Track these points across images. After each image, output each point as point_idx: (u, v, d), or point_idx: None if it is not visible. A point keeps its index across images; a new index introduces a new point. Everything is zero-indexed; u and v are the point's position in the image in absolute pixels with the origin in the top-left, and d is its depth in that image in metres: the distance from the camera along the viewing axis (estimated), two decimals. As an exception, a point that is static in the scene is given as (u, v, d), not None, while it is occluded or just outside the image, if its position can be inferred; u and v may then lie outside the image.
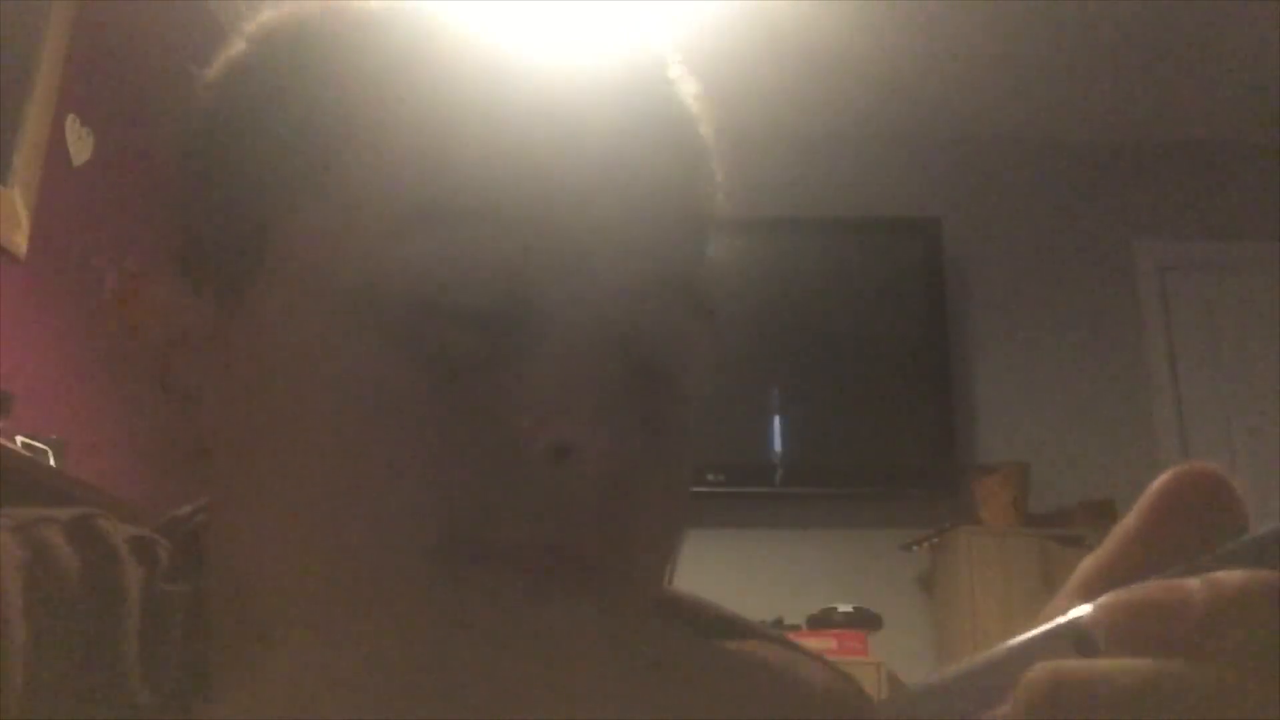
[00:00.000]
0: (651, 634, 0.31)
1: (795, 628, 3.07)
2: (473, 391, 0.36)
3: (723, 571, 3.41)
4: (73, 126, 2.46)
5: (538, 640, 0.28)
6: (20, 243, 2.24)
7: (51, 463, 2.10)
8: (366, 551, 0.36)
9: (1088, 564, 0.34)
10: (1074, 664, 0.29)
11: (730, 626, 0.52)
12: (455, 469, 0.35)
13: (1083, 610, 0.31)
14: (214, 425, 0.42)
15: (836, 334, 3.53)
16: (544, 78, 0.41)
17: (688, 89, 0.46)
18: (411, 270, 0.36)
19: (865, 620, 3.06)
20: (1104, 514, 3.17)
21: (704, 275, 0.41)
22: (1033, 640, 0.32)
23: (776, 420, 3.51)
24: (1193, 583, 0.28)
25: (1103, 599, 0.30)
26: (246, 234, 0.40)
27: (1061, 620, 0.31)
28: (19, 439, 2.04)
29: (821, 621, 3.08)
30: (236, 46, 0.43)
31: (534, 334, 0.36)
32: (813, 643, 3.00)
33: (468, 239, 0.36)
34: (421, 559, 0.35)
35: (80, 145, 2.49)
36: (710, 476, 3.37)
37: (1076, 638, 0.30)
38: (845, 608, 3.09)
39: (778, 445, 3.49)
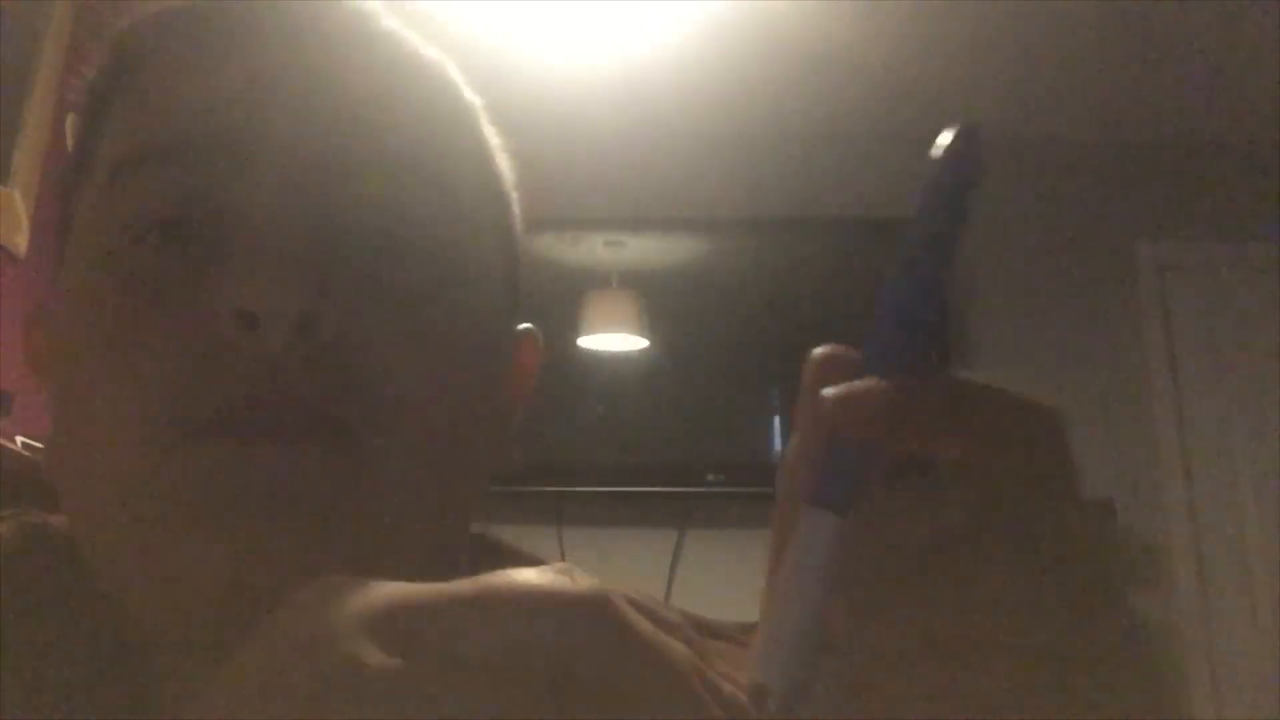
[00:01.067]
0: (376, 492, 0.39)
1: (795, 627, 3.06)
2: (176, 295, 0.40)
3: (723, 571, 3.41)
4: (73, 126, 2.45)
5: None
6: (20, 243, 2.24)
7: (51, 462, 2.10)
8: (101, 441, 0.40)
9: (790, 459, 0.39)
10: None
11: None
12: (161, 361, 0.40)
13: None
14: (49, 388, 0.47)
15: (836, 333, 3.52)
16: (247, 45, 0.45)
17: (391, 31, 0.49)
18: (115, 205, 0.43)
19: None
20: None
21: (414, 153, 0.45)
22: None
23: (776, 420, 3.51)
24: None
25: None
26: (65, 214, 0.49)
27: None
28: (19, 439, 2.04)
29: (821, 621, 3.07)
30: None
31: (224, 237, 0.41)
32: (813, 642, 3.00)
33: (158, 171, 0.42)
34: (141, 444, 0.39)
35: (80, 145, 2.49)
36: (710, 476, 3.38)
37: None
38: (845, 607, 3.09)
39: (778, 445, 3.49)
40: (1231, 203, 3.68)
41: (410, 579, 0.30)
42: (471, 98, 0.55)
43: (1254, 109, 3.57)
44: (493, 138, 0.58)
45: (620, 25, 3.19)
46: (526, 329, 0.56)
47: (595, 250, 3.60)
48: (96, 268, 0.43)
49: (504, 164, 0.59)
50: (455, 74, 0.53)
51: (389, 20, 0.49)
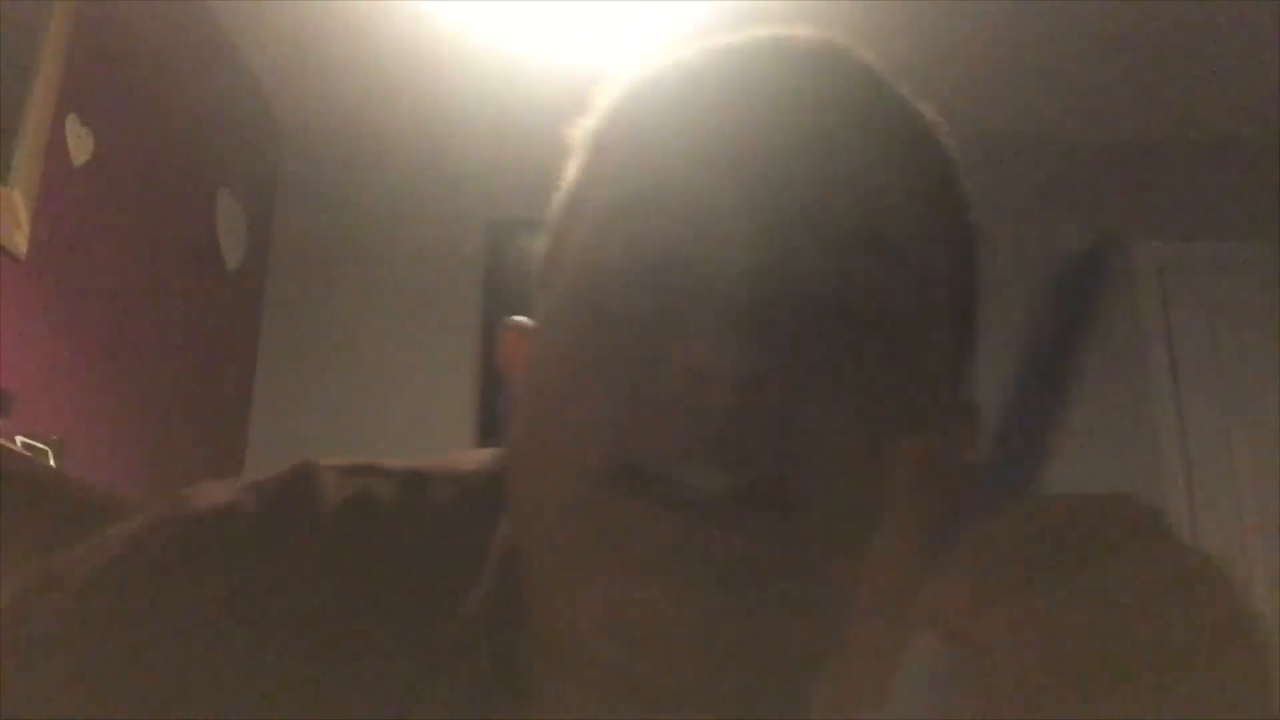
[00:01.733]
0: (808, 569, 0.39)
1: (795, 627, 3.07)
2: (643, 342, 0.42)
3: (723, 571, 3.42)
4: (73, 126, 2.46)
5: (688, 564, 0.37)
6: (20, 242, 2.24)
7: (51, 463, 2.10)
8: (551, 466, 0.43)
9: None
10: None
11: None
12: (618, 403, 0.41)
13: None
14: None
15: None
16: (705, 122, 0.48)
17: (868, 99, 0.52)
18: (606, 247, 0.45)
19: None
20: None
21: (903, 234, 0.45)
22: None
23: (776, 420, 3.51)
24: None
25: None
26: (547, 268, 0.52)
27: None
28: (19, 439, 2.04)
29: (821, 621, 3.07)
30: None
31: (693, 291, 0.42)
32: (813, 642, 3.00)
33: (647, 221, 0.44)
34: (590, 485, 0.41)
35: (80, 145, 2.49)
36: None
37: None
38: (845, 607, 3.09)
39: (778, 445, 3.49)
40: (1231, 203, 3.68)
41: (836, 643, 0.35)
42: (953, 161, 0.54)
43: (1254, 109, 3.57)
44: (966, 198, 0.55)
45: (620, 25, 3.19)
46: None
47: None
48: (581, 300, 0.45)
49: (970, 224, 0.56)
50: (948, 146, 0.53)
51: (891, 89, 0.51)
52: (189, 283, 3.14)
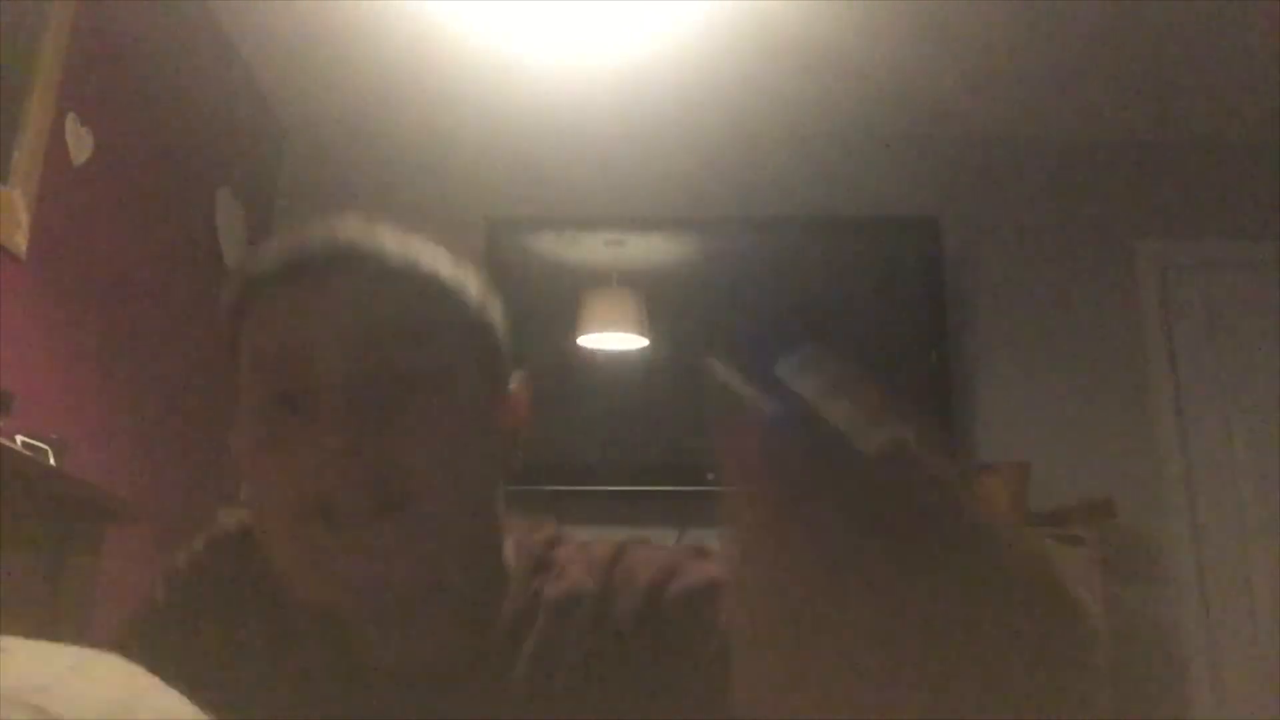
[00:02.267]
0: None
1: (795, 627, 3.07)
2: (293, 435, 0.71)
3: (722, 571, 3.41)
4: (72, 126, 2.46)
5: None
6: (20, 242, 2.24)
7: (51, 462, 2.10)
8: (267, 516, 0.74)
9: None
10: None
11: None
12: (289, 475, 0.71)
13: None
14: None
15: (835, 332, 3.53)
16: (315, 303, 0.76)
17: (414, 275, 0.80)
18: (255, 385, 0.74)
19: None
20: (1104, 513, 3.17)
21: (419, 338, 0.75)
22: None
23: (776, 420, 3.51)
24: None
25: None
26: (233, 369, 0.81)
27: None
28: (19, 438, 2.04)
29: (821, 621, 3.07)
30: None
31: (313, 403, 0.71)
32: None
33: (276, 366, 0.74)
34: (290, 522, 0.71)
35: (80, 144, 2.49)
36: (710, 476, 3.37)
37: None
38: (845, 607, 3.09)
39: (777, 444, 3.49)
40: (1232, 202, 3.68)
41: (458, 573, 0.75)
42: (461, 283, 0.81)
43: (1254, 109, 3.57)
44: (481, 298, 0.82)
45: (620, 25, 3.19)
46: (519, 376, 0.85)
47: (595, 249, 3.60)
48: (254, 418, 0.74)
49: (493, 312, 0.84)
50: (452, 278, 0.81)
51: (405, 256, 0.81)
52: (189, 282, 3.14)
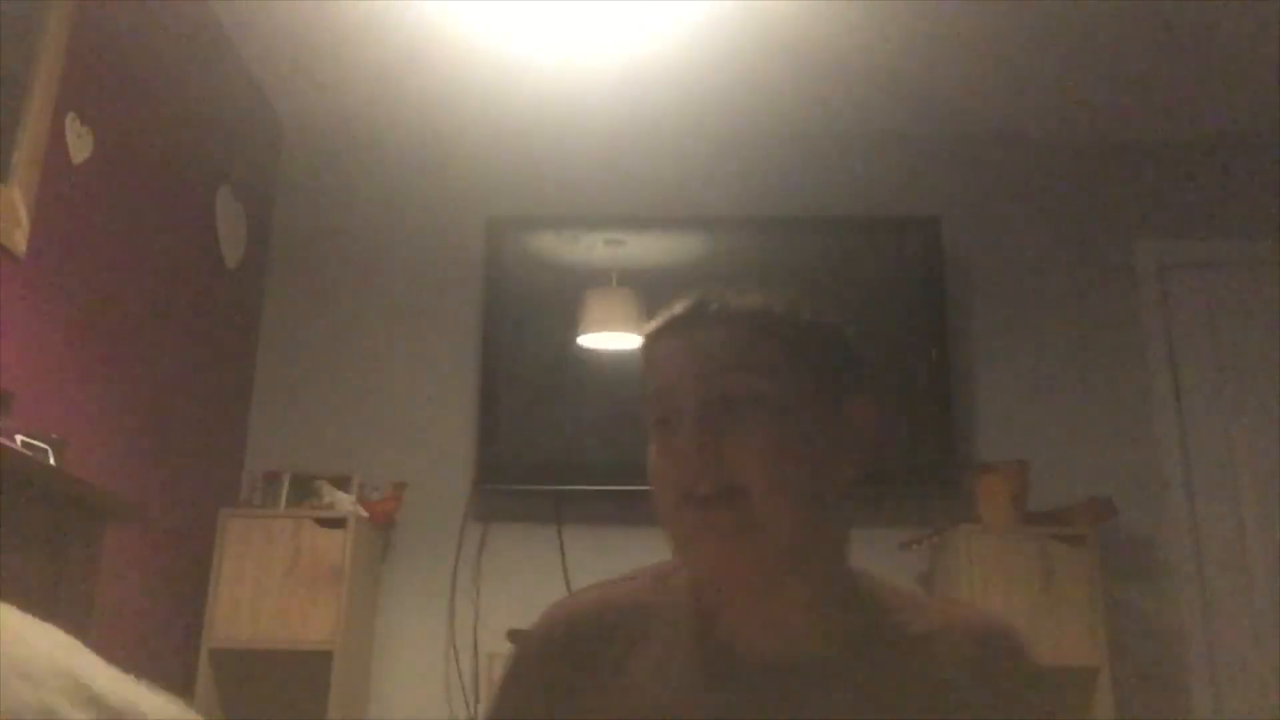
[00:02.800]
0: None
1: (795, 627, 3.07)
2: (670, 446, 0.96)
3: (722, 570, 3.41)
4: (72, 125, 2.46)
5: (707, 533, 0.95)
6: (20, 241, 2.24)
7: (51, 462, 2.10)
8: (662, 512, 0.98)
9: None
10: None
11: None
12: (669, 472, 0.96)
13: None
14: None
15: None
16: (676, 347, 1.01)
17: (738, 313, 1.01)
18: (651, 413, 1.00)
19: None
20: (1104, 512, 3.17)
21: (745, 368, 0.97)
22: None
23: (776, 419, 3.51)
24: None
25: None
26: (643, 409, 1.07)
27: None
28: (19, 438, 2.04)
29: (821, 620, 3.07)
30: None
31: (678, 419, 0.97)
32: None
33: (657, 400, 0.99)
34: (671, 509, 0.96)
35: (80, 144, 2.49)
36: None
37: None
38: (845, 607, 3.08)
39: (777, 444, 3.49)
40: (1231, 201, 3.68)
41: (788, 563, 0.96)
42: (794, 324, 1.01)
43: (1254, 109, 3.57)
44: (816, 339, 1.02)
45: (620, 25, 3.19)
46: (862, 399, 1.02)
47: (595, 249, 3.60)
48: (650, 436, 0.99)
49: (827, 347, 1.02)
50: (786, 320, 1.01)
51: (746, 306, 1.00)
52: (189, 281, 3.14)
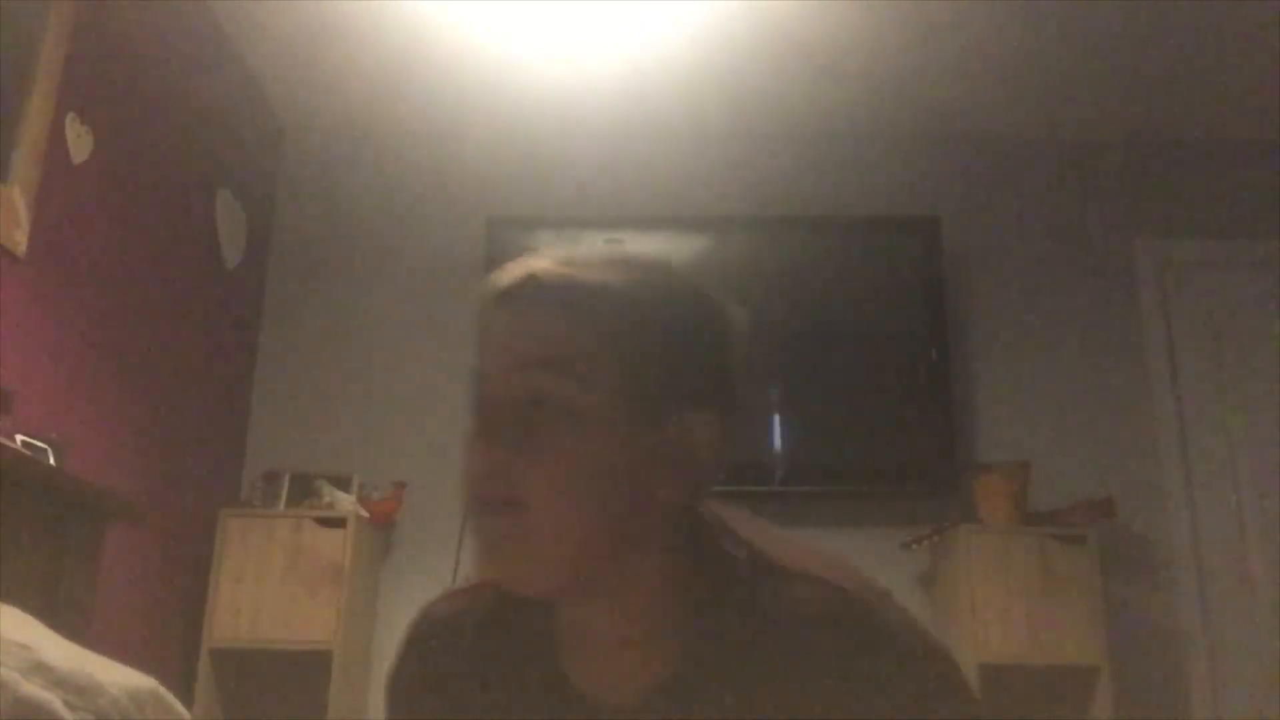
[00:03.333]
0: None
1: (795, 627, 3.07)
2: (470, 440, 0.87)
3: (722, 570, 3.41)
4: (72, 125, 2.46)
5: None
6: (20, 241, 2.24)
7: (51, 462, 2.10)
8: (464, 513, 0.89)
9: None
10: None
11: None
12: (466, 471, 0.87)
13: None
14: None
15: (836, 332, 3.53)
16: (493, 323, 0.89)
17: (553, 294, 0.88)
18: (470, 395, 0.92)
19: (865, 619, 3.05)
20: (1104, 512, 3.17)
21: (557, 367, 0.84)
22: None
23: (776, 419, 3.51)
24: None
25: None
26: None
27: None
28: (19, 438, 2.04)
29: (821, 620, 3.07)
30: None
31: (480, 413, 0.88)
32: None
33: (473, 382, 0.90)
34: (466, 511, 0.87)
35: (80, 143, 2.49)
36: (710, 475, 3.37)
37: None
38: (845, 607, 3.08)
39: (777, 444, 3.49)
40: (1231, 201, 3.68)
41: (571, 579, 0.86)
42: (628, 319, 0.87)
43: (1254, 109, 3.57)
44: (650, 317, 0.89)
45: (620, 26, 3.19)
46: (707, 416, 0.91)
47: (595, 248, 3.60)
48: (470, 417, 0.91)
49: (658, 334, 0.88)
50: (624, 314, 0.87)
51: (575, 288, 0.87)
52: (188, 282, 3.14)
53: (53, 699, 0.67)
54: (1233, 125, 3.66)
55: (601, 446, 0.83)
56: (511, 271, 0.88)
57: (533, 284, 0.87)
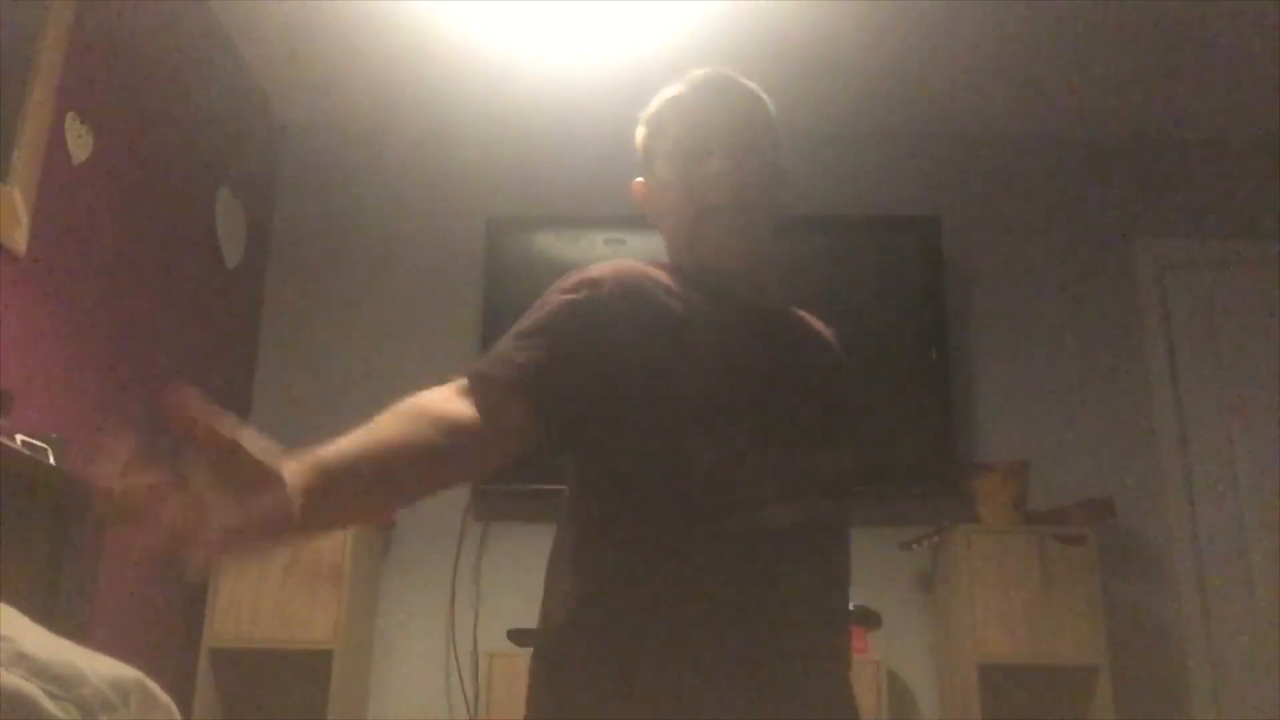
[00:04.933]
0: None
1: (795, 626, 3.07)
2: (694, 186, 1.45)
3: (722, 570, 3.41)
4: (72, 125, 2.46)
5: None
6: (20, 241, 2.24)
7: (51, 461, 2.10)
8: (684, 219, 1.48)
9: None
10: None
11: None
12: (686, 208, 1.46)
13: None
14: None
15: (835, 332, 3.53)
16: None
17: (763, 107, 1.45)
18: (674, 167, 1.48)
19: (865, 618, 3.06)
20: (1104, 512, 3.17)
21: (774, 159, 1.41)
22: None
23: (776, 419, 3.51)
24: None
25: None
26: (645, 163, 1.59)
27: None
28: (19, 437, 2.04)
29: (821, 620, 3.07)
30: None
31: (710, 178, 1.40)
32: (812, 641, 3.00)
33: (686, 162, 1.44)
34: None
35: (80, 143, 2.49)
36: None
37: None
38: (845, 606, 3.08)
39: (777, 444, 3.49)
40: (1231, 201, 3.68)
41: None
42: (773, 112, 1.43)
43: (1253, 108, 3.57)
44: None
45: (620, 25, 3.19)
46: None
47: (595, 248, 3.60)
48: (676, 180, 1.42)
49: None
50: (769, 105, 1.43)
51: (755, 92, 1.46)
52: (188, 281, 3.14)
53: (34, 689, 0.68)
54: (1233, 125, 3.66)
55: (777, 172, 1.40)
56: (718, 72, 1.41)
57: (744, 94, 1.45)
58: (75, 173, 2.48)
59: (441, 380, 1.19)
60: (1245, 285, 3.59)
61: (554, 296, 1.22)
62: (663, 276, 1.29)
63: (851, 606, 3.07)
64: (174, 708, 1.08)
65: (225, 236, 3.36)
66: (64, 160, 2.43)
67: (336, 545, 3.04)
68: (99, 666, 0.68)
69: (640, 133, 1.45)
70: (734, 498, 1.14)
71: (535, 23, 3.19)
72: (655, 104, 1.44)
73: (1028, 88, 3.52)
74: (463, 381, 1.17)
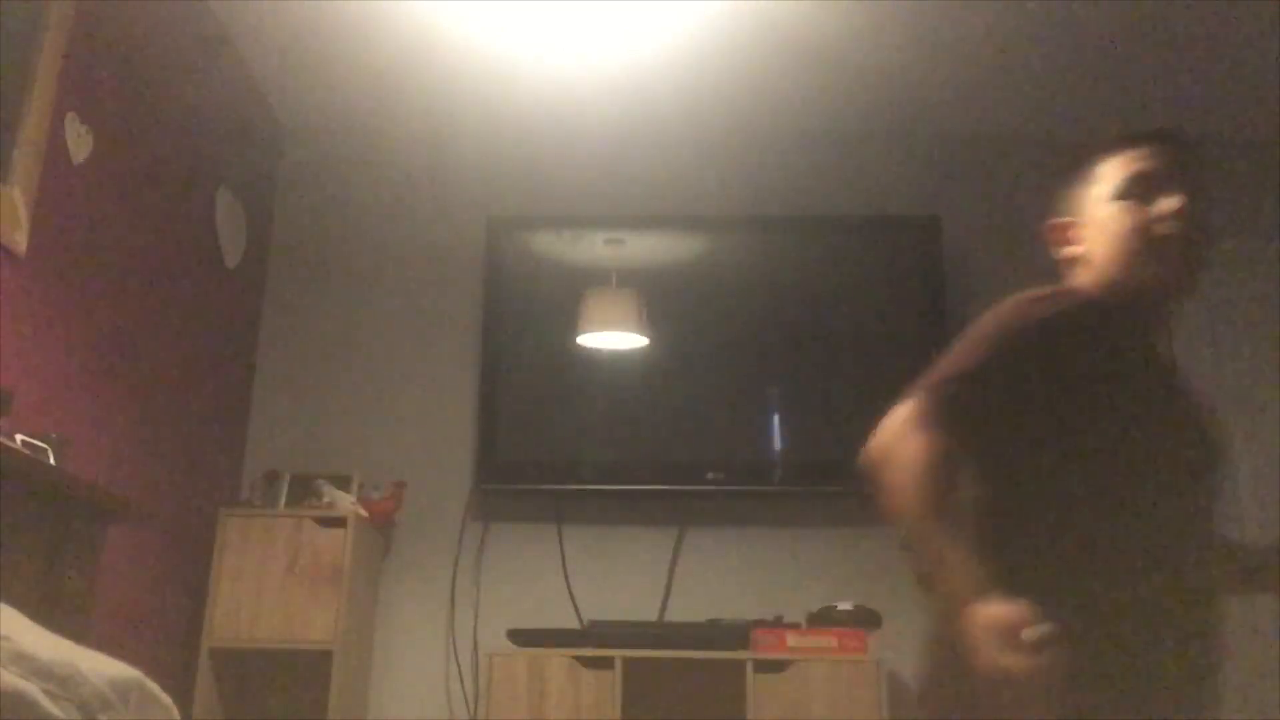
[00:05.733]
0: None
1: (795, 625, 3.07)
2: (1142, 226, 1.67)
3: (723, 570, 3.41)
4: (72, 125, 2.46)
5: None
6: (20, 241, 2.24)
7: (51, 461, 2.10)
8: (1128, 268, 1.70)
9: None
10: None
11: None
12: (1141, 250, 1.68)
13: None
14: None
15: (836, 332, 3.53)
16: None
17: None
18: (1117, 206, 1.76)
19: (865, 618, 3.06)
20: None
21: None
22: None
23: (776, 418, 3.51)
24: None
25: None
26: (1072, 205, 1.88)
27: None
28: (19, 437, 2.04)
29: (821, 619, 3.08)
30: None
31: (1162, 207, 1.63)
32: (813, 640, 3.00)
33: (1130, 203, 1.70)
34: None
35: (80, 143, 2.49)
36: (709, 475, 3.37)
37: None
38: (845, 605, 3.09)
39: (777, 443, 3.50)
40: (1232, 202, 3.67)
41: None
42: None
43: (1254, 108, 3.56)
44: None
45: (620, 26, 3.19)
46: None
47: (595, 248, 3.60)
48: (1115, 219, 1.70)
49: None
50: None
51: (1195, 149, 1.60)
52: (189, 281, 3.14)
53: (33, 688, 0.68)
54: (1233, 125, 3.66)
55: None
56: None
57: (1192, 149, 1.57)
58: (75, 173, 2.48)
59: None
60: (1246, 286, 3.59)
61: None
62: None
63: (852, 606, 3.09)
64: (174, 708, 1.08)
65: (225, 236, 3.36)
66: (64, 160, 2.43)
67: (336, 545, 3.04)
68: (98, 666, 0.68)
69: (1074, 180, 1.72)
70: (1174, 551, 1.40)
71: (535, 23, 3.19)
72: (1089, 153, 1.69)
73: (1028, 88, 3.52)
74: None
